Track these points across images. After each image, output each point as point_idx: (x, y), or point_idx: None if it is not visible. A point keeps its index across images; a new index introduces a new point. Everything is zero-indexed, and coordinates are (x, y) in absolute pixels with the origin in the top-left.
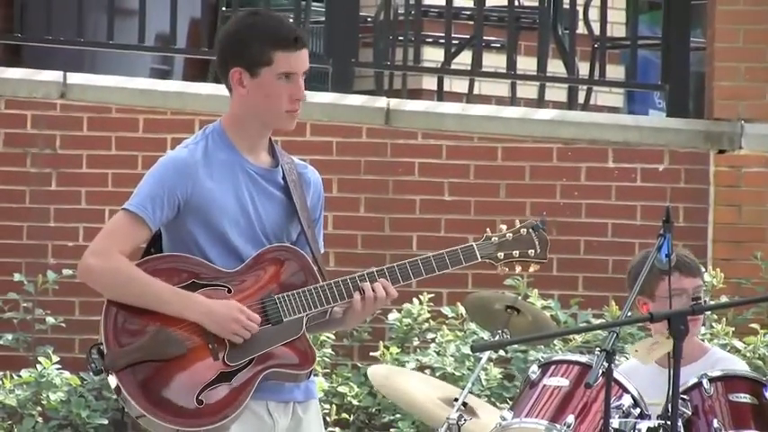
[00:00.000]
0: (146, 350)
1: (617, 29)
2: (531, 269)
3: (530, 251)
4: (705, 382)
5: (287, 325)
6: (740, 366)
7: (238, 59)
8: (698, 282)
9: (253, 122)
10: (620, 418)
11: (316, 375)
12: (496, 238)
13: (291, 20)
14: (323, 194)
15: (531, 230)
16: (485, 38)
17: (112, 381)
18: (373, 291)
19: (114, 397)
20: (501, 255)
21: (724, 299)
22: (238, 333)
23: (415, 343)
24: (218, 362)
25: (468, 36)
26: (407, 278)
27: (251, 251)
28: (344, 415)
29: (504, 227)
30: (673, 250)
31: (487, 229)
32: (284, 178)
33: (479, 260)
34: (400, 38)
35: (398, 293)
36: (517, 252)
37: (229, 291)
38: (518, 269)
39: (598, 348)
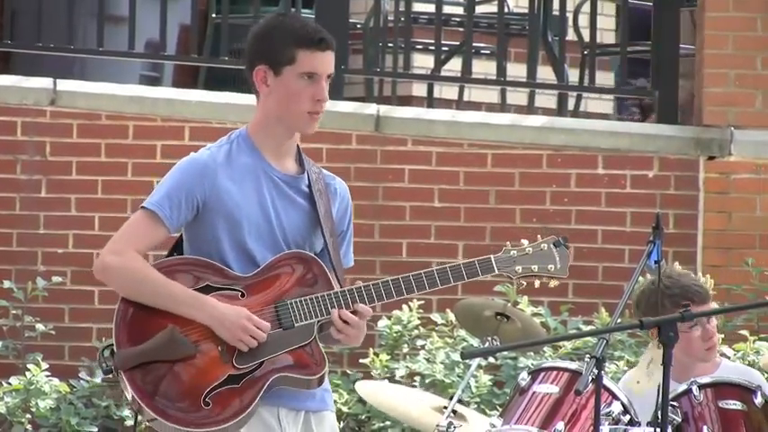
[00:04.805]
0: (155, 351)
1: (606, 35)
2: (551, 284)
3: (549, 266)
4: (695, 388)
5: (298, 330)
6: (756, 376)
7: (263, 57)
8: (709, 307)
9: (276, 125)
10: (609, 424)
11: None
12: (515, 252)
13: None
14: (351, 207)
15: (552, 246)
16: (474, 44)
17: (122, 381)
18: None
19: (104, 404)
20: (519, 268)
21: (714, 306)
22: (244, 341)
23: (405, 350)
24: (227, 364)
25: (457, 43)
26: (422, 288)
27: (269, 257)
28: None
29: (525, 241)
30: (662, 257)
31: (507, 243)
32: (309, 186)
33: (496, 273)
34: (390, 44)
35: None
36: (536, 267)
37: (243, 295)
38: (536, 284)
39: (588, 355)
